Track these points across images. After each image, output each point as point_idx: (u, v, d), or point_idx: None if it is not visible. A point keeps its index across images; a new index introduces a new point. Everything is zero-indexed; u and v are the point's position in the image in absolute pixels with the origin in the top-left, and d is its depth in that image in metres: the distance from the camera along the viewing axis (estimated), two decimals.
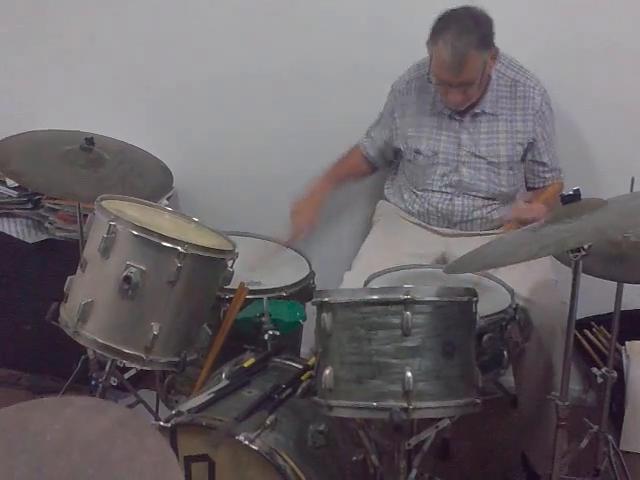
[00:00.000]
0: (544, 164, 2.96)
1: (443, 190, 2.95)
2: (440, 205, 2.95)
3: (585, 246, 2.04)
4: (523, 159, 2.91)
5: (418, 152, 2.95)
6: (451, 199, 2.94)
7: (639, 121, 3.09)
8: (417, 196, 3.00)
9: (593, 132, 3.14)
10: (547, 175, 2.99)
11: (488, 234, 2.91)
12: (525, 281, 2.67)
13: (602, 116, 3.10)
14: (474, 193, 2.93)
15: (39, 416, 0.94)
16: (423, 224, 3.02)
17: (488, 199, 2.94)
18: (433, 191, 2.96)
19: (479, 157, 2.89)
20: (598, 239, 2.16)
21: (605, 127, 3.12)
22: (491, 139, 2.88)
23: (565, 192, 2.10)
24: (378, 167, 3.20)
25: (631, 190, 2.43)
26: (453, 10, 2.71)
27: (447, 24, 2.68)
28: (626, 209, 2.10)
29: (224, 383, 2.28)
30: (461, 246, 2.78)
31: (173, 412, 2.12)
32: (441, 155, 2.92)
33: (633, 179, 2.42)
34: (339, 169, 3.15)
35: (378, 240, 3.01)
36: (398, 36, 3.15)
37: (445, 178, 2.94)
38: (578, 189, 2.09)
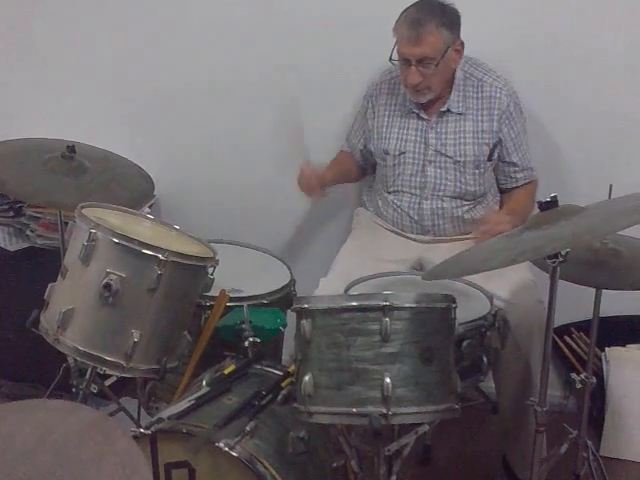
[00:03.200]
0: (514, 164, 2.98)
1: (412, 192, 2.96)
2: (411, 211, 2.96)
3: (563, 252, 2.05)
4: (490, 159, 2.93)
5: (386, 152, 2.98)
6: (420, 202, 2.95)
7: (617, 128, 3.11)
8: (389, 202, 3.01)
9: (571, 139, 3.15)
10: (519, 175, 3.01)
11: (461, 239, 2.93)
12: (503, 281, 2.69)
13: (580, 123, 3.12)
14: (441, 193, 2.94)
15: (10, 420, 0.94)
16: (398, 231, 3.03)
17: (456, 199, 2.94)
18: (403, 192, 2.98)
19: (446, 156, 2.91)
20: (575, 245, 2.18)
21: (583, 134, 3.14)
22: (458, 138, 2.91)
23: (543, 199, 2.12)
24: (366, 170, 3.22)
25: (609, 197, 2.44)
26: None
27: (413, 5, 2.77)
28: (603, 215, 2.12)
29: (204, 390, 2.28)
30: (436, 251, 2.83)
31: (153, 419, 2.12)
32: (408, 154, 2.95)
33: (611, 186, 2.43)
34: (338, 161, 3.18)
35: (354, 247, 3.01)
36: (382, 39, 3.16)
37: (413, 178, 2.96)
38: (555, 196, 2.11)
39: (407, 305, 2.02)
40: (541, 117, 3.08)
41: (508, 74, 2.95)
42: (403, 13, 2.77)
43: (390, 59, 2.83)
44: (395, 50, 2.80)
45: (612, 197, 2.43)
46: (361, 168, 3.21)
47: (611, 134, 3.12)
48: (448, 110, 2.90)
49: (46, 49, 3.55)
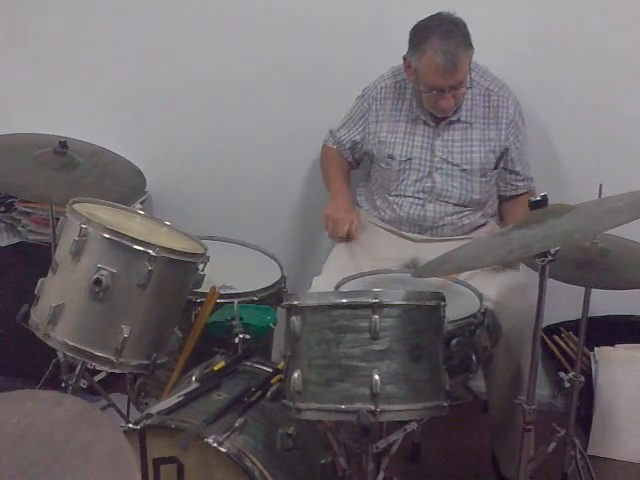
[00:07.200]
0: (517, 173, 3.00)
1: (416, 195, 2.97)
2: (412, 211, 2.96)
3: (552, 251, 2.06)
4: (496, 166, 2.94)
5: (391, 157, 2.97)
6: (423, 205, 2.96)
7: (607, 127, 3.13)
8: (389, 202, 3.01)
9: (562, 138, 3.18)
10: (519, 184, 3.03)
11: (459, 239, 2.93)
12: (495, 283, 2.70)
13: (571, 122, 3.14)
14: (446, 199, 2.95)
15: None
16: (394, 229, 3.03)
17: (460, 205, 2.96)
18: (406, 196, 2.98)
19: (452, 164, 2.92)
20: (564, 244, 2.18)
21: (574, 133, 3.16)
22: (465, 146, 2.91)
23: (533, 198, 2.13)
24: (352, 165, 3.22)
25: (599, 197, 2.45)
26: (427, 20, 2.76)
27: (429, 33, 2.72)
28: (593, 214, 2.12)
29: (194, 386, 2.28)
30: (432, 251, 2.79)
31: (142, 414, 2.12)
32: (415, 161, 2.95)
33: (601, 186, 2.44)
34: (339, 169, 3.17)
35: (348, 245, 2.99)
36: (373, 42, 3.18)
37: (418, 184, 2.96)
38: (545, 195, 2.11)
39: (396, 302, 2.01)
40: (531, 116, 3.08)
41: (498, 73, 2.97)
42: (425, 43, 2.71)
43: (422, 91, 2.82)
44: (421, 77, 2.79)
45: (602, 196, 2.45)
46: (350, 164, 3.21)
47: (601, 133, 3.14)
48: (458, 119, 2.90)
49: (38, 45, 3.55)
